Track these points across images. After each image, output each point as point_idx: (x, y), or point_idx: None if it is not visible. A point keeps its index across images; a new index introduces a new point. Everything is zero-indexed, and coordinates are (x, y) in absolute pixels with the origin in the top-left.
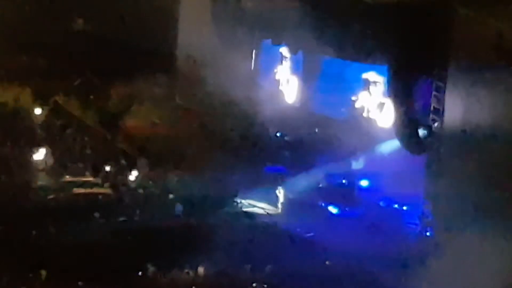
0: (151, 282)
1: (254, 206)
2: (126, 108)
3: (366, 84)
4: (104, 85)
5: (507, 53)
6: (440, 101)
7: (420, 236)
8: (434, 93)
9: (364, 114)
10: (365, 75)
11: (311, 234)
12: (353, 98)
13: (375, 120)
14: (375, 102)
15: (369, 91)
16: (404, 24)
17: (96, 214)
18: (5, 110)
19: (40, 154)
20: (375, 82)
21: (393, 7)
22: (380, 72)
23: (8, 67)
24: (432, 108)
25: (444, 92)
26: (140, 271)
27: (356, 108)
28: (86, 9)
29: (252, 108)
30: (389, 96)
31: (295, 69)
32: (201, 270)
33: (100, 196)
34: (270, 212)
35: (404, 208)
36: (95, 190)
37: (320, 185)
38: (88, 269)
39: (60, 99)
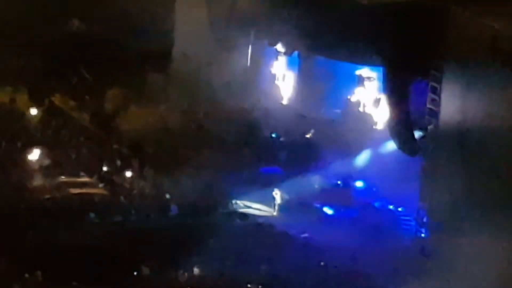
0: (146, 282)
1: (250, 207)
2: (122, 108)
3: (360, 80)
4: (100, 86)
5: (502, 54)
6: (436, 102)
7: (415, 236)
8: (430, 94)
9: (360, 114)
10: (358, 72)
11: (306, 235)
12: (348, 97)
13: (370, 122)
14: (370, 99)
15: (364, 87)
16: (400, 26)
17: (92, 214)
18: (0, 110)
19: (35, 155)
20: (369, 78)
21: (389, 8)
22: (373, 68)
23: (3, 68)
24: (427, 109)
25: (440, 93)
26: (135, 271)
27: (351, 109)
28: (82, 10)
29: (247, 109)
30: (385, 97)
31: (291, 70)
32: (196, 270)
33: (95, 197)
34: (265, 213)
35: (400, 209)
36: (91, 190)
37: (316, 186)
38: (83, 269)
39: (55, 99)
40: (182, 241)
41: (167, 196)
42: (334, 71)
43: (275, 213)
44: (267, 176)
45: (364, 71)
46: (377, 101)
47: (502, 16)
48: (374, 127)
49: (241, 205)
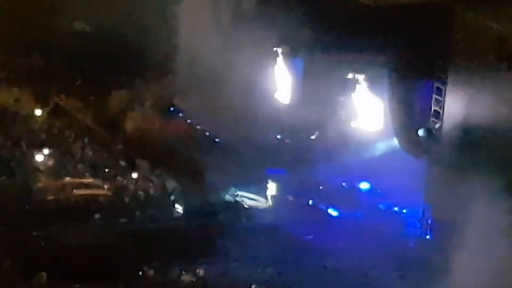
0: (150, 284)
1: (254, 208)
2: (127, 109)
3: (364, 82)
4: (105, 87)
5: (507, 56)
6: (441, 103)
7: (420, 239)
8: (434, 95)
9: (364, 116)
10: (361, 74)
11: (311, 236)
12: (354, 99)
13: (375, 123)
14: (374, 101)
15: (367, 89)
16: (405, 27)
17: (96, 216)
18: (5, 111)
19: (40, 156)
20: (372, 80)
21: (394, 10)
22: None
23: (8, 68)
24: (432, 110)
25: (445, 94)
26: (140, 272)
27: (356, 110)
28: (86, 10)
29: (252, 110)
30: (390, 98)
31: (295, 72)
32: (200, 271)
33: (100, 198)
34: (270, 214)
35: (404, 211)
36: (95, 191)
37: (320, 188)
38: (88, 270)
39: (60, 100)
40: (187, 242)
41: (172, 197)
42: (338, 73)
43: (279, 215)
44: (272, 177)
45: (366, 73)
46: (380, 103)
47: (508, 18)
48: (379, 128)
49: (246, 206)
